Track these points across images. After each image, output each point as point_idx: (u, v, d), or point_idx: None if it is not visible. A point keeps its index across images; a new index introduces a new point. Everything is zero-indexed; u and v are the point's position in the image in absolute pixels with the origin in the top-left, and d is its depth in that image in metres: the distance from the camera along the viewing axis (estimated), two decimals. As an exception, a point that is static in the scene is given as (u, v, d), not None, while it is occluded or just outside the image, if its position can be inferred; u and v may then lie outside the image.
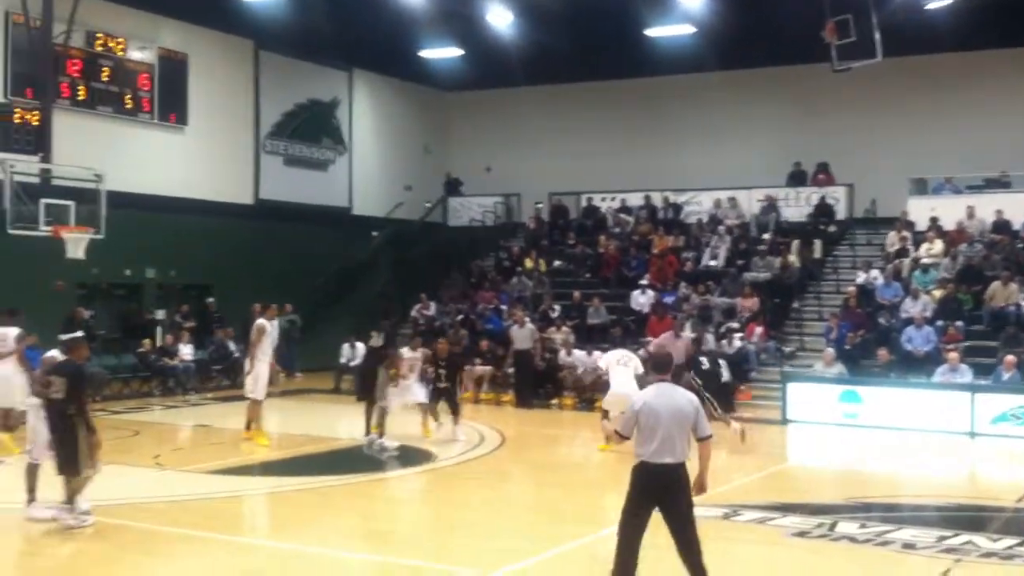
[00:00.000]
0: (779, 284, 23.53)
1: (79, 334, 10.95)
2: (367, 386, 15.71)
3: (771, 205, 26.83)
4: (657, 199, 28.65)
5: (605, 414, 14.24)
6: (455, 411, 16.26)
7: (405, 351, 16.26)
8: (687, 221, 27.69)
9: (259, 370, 15.09)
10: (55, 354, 10.63)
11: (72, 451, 9.78)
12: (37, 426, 10.43)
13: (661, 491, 7.31)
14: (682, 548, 7.32)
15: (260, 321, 15.49)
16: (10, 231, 17.64)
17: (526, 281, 25.99)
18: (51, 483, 10.06)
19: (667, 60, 27.11)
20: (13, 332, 14.01)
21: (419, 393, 16.13)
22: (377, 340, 16.02)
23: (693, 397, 7.59)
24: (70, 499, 9.91)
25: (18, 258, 19.36)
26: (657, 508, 7.34)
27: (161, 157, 24.67)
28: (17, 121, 18.97)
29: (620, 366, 15.32)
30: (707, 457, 7.53)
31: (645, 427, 7.38)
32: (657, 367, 7.95)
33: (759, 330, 21.59)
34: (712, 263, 25.23)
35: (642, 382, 13.73)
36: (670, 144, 29.84)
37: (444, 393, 16.35)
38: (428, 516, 11.70)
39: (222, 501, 11.83)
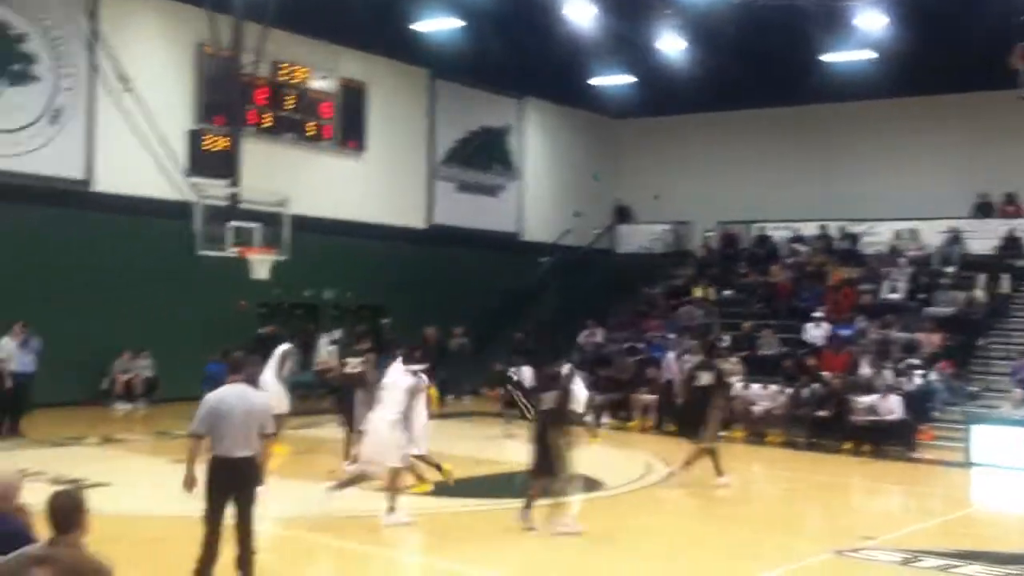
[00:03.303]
0: (964, 320, 22.49)
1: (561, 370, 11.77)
2: (696, 423, 14.83)
3: (955, 237, 25.72)
4: (833, 229, 27.88)
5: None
6: None
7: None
8: (864, 252, 26.82)
9: None
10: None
11: (548, 458, 11.06)
12: (388, 437, 11.23)
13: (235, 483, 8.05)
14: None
15: None
16: (200, 252, 18.48)
17: (694, 310, 25.65)
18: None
19: (845, 86, 26.34)
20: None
21: None
22: (708, 378, 15.09)
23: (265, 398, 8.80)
24: (529, 504, 11.11)
25: (207, 278, 20.32)
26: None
27: (340, 182, 25.54)
28: (208, 147, 19.87)
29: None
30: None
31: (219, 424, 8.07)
32: (233, 369, 8.64)
33: (943, 367, 20.63)
34: (891, 296, 24.33)
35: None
36: (846, 172, 29.03)
37: None
38: (589, 545, 11.58)
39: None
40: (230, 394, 8.20)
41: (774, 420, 19.94)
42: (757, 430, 19.97)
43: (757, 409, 20.13)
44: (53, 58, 20.93)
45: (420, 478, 12.76)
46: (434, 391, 15.01)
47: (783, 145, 30.28)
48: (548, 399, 11.45)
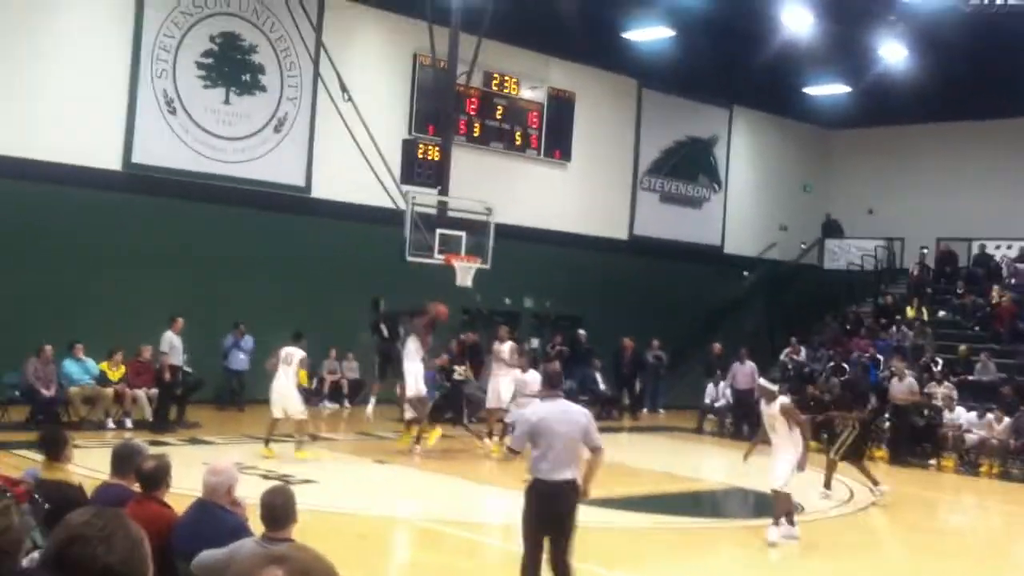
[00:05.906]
0: None
1: None
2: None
3: None
4: (1062, 248, 26.20)
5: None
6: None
7: None
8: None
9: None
10: None
11: None
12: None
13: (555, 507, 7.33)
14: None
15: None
16: (408, 258, 19.00)
17: (906, 331, 24.59)
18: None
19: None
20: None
21: None
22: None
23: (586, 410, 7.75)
24: None
25: (414, 284, 20.84)
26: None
27: (544, 192, 25.78)
28: (420, 156, 20.42)
29: (284, 364, 15.07)
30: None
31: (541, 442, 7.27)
32: (549, 383, 8.05)
33: None
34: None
35: None
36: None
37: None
38: (786, 570, 11.31)
39: (583, 531, 12.04)
40: (551, 411, 7.50)
41: (990, 450, 18.91)
42: (970, 460, 19.00)
43: (971, 437, 19.13)
44: (279, 68, 22.05)
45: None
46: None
47: (1008, 158, 28.61)
48: None
